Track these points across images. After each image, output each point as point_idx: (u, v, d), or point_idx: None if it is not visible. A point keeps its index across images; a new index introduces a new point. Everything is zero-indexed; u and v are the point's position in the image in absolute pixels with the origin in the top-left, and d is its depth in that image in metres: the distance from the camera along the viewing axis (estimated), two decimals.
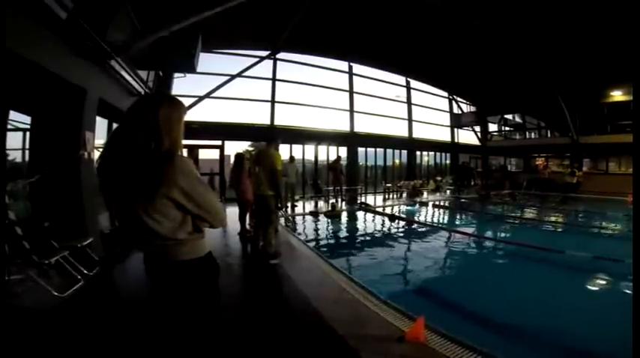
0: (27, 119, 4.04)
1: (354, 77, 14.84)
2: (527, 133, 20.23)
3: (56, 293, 2.89)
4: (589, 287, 4.54)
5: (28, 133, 4.06)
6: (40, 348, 2.27)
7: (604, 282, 4.66)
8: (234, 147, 11.91)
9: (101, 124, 5.50)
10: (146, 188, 1.12)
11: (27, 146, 4.12)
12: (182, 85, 10.56)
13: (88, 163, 4.28)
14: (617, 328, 3.11)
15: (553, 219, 9.99)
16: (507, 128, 21.07)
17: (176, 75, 9.69)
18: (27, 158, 4.12)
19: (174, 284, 1.27)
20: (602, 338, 2.95)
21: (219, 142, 11.71)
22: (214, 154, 11.81)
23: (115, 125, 6.00)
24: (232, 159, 6.41)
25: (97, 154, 4.51)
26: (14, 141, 4.00)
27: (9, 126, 3.83)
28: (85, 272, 3.41)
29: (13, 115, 3.88)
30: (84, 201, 4.12)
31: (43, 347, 2.28)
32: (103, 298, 3.23)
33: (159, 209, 1.16)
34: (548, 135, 19.34)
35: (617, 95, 14.42)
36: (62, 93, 4.00)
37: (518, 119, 20.60)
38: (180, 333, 1.30)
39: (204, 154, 11.59)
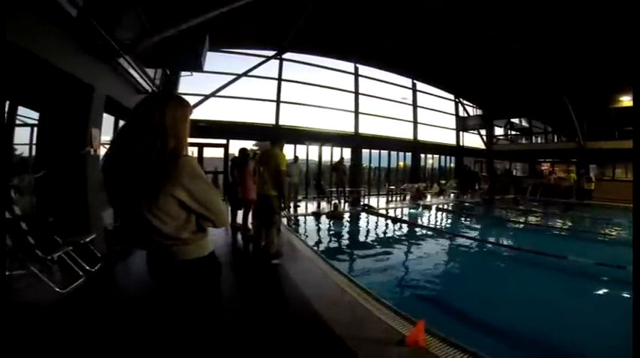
0: (35, 115, 4.09)
1: (359, 78, 14.84)
2: (533, 138, 20.08)
3: (57, 289, 2.91)
4: (590, 292, 4.50)
5: (35, 129, 4.10)
6: (40, 344, 2.29)
7: (606, 289, 4.62)
8: (239, 146, 11.96)
9: (108, 121, 5.55)
10: (151, 187, 1.14)
11: (34, 141, 4.16)
12: (189, 84, 10.62)
13: (93, 160, 4.32)
14: (618, 333, 3.11)
15: (557, 224, 9.91)
16: (513, 132, 20.94)
17: (183, 73, 9.75)
18: (34, 153, 4.16)
19: (177, 283, 1.28)
20: (602, 343, 2.93)
21: (224, 141, 11.76)
22: (219, 153, 11.87)
23: (121, 122, 6.05)
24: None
25: (103, 151, 4.56)
26: (22, 136, 4.05)
27: (17, 122, 3.87)
28: (87, 268, 3.44)
29: (22, 111, 3.93)
30: (88, 197, 4.15)
31: (43, 343, 2.30)
32: (103, 295, 3.25)
33: (163, 208, 1.17)
34: (555, 139, 19.18)
35: (626, 100, 14.25)
36: (70, 90, 4.04)
37: (524, 123, 20.47)
38: (181, 332, 1.30)
39: (208, 153, 11.68)
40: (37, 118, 4.06)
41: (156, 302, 1.38)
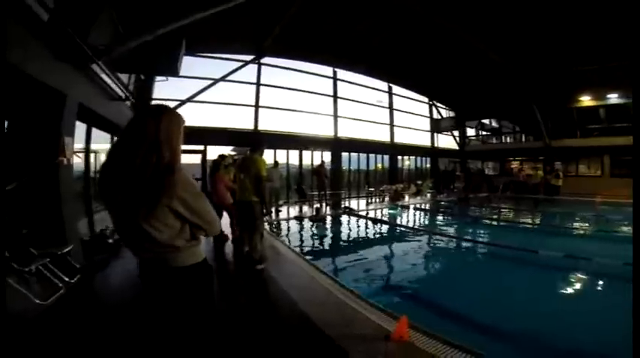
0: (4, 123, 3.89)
1: (338, 82, 15.04)
2: (503, 137, 21.04)
3: (38, 301, 2.84)
4: (561, 284, 4.78)
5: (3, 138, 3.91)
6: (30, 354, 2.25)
7: (575, 279, 4.93)
8: (218, 152, 11.82)
9: (80, 128, 5.37)
10: (148, 198, 1.17)
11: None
12: (164, 89, 10.39)
13: (67, 169, 4.18)
14: (586, 321, 3.37)
15: (527, 220, 10.43)
16: (484, 132, 21.84)
17: (158, 78, 9.54)
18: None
19: (174, 289, 1.32)
20: (573, 332, 3.15)
21: (201, 147, 11.58)
22: (196, 159, 11.67)
23: (94, 130, 5.87)
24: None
25: (76, 160, 4.41)
26: None
27: None
28: (66, 279, 3.33)
29: None
30: (63, 207, 4.00)
31: (33, 353, 2.26)
32: (86, 305, 3.19)
33: (160, 218, 1.21)
34: (523, 139, 20.18)
35: (586, 100, 15.22)
36: (41, 98, 3.88)
37: (494, 124, 21.42)
38: (176, 336, 1.33)
39: (185, 159, 11.41)
40: (5, 127, 3.87)
41: (147, 309, 1.40)
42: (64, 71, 4.17)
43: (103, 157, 6.57)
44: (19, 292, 2.76)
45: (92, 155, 5.90)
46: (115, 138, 6.82)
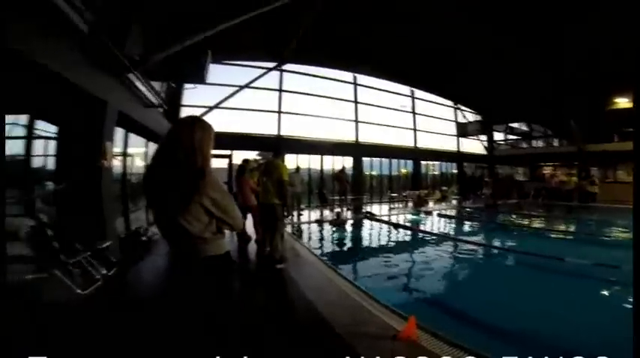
0: (54, 129, 4.33)
1: (358, 87, 15.16)
2: (533, 141, 20.18)
3: (79, 291, 3.15)
4: (587, 292, 4.60)
5: (53, 142, 4.34)
6: (65, 339, 2.50)
7: (601, 288, 4.72)
8: (243, 157, 12.19)
9: (118, 134, 5.80)
10: (184, 197, 1.41)
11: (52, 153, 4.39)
12: (192, 96, 10.96)
13: (107, 172, 4.57)
14: (613, 330, 3.25)
15: (559, 227, 9.98)
16: (513, 136, 21.06)
17: (186, 85, 10.08)
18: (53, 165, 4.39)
19: (202, 275, 1.53)
20: (596, 341, 3.06)
21: (228, 152, 12.02)
22: (223, 164, 12.10)
23: (131, 135, 6.33)
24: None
25: (115, 163, 4.80)
26: (45, 148, 4.28)
27: (42, 134, 4.12)
28: (104, 272, 3.66)
29: (42, 125, 4.18)
30: (104, 207, 4.39)
31: (68, 338, 2.51)
32: (122, 295, 3.53)
33: (193, 213, 1.44)
34: (555, 143, 19.26)
35: (623, 102, 14.36)
36: (85, 105, 4.29)
37: (524, 127, 20.60)
38: (200, 317, 1.52)
39: (214, 163, 11.87)
40: (56, 132, 4.31)
41: (176, 294, 1.61)
42: (104, 80, 4.56)
43: (137, 161, 7.05)
44: (64, 282, 3.09)
45: (129, 159, 6.37)
46: (150, 143, 7.35)
